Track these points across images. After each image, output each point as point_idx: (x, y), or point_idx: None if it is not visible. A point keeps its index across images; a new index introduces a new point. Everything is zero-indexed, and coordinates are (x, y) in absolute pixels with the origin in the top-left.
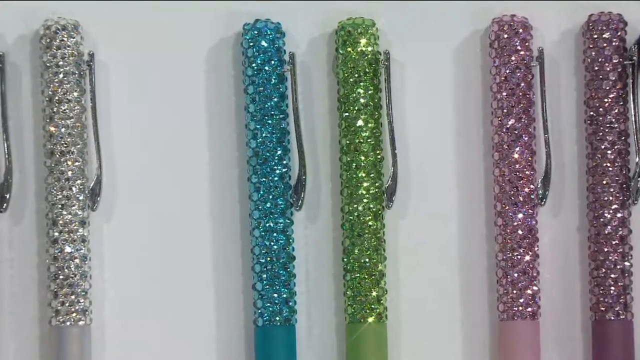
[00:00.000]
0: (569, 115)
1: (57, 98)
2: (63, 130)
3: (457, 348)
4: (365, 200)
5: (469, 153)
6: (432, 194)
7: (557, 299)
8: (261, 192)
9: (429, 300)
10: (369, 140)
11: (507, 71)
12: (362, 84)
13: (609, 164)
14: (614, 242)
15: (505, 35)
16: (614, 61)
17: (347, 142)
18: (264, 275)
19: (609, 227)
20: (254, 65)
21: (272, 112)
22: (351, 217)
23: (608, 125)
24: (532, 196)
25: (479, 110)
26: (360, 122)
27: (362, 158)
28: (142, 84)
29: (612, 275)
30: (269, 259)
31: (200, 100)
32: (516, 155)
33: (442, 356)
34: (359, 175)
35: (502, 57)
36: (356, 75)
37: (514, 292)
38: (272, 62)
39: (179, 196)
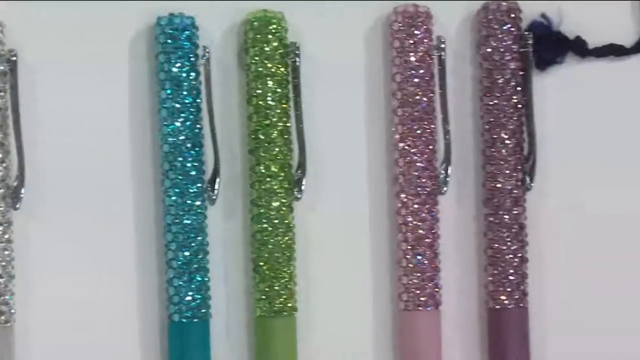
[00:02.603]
0: (469, 104)
1: None
2: None
3: (365, 339)
4: (275, 194)
5: (376, 144)
6: (341, 185)
7: (456, 287)
8: (177, 188)
9: (338, 292)
10: (279, 132)
11: (409, 60)
12: (271, 76)
13: (506, 153)
14: (511, 231)
15: (406, 24)
16: (510, 49)
17: (258, 135)
18: (180, 271)
19: (506, 216)
20: (169, 59)
21: (187, 107)
22: (261, 211)
23: (506, 113)
24: (433, 185)
25: (385, 101)
26: (270, 115)
27: (272, 151)
28: (62, 81)
29: (510, 264)
30: (184, 254)
31: (118, 95)
32: (418, 145)
33: (351, 347)
34: (270, 168)
35: (403, 46)
36: (266, 67)
37: (417, 282)
38: (187, 56)
39: (100, 192)
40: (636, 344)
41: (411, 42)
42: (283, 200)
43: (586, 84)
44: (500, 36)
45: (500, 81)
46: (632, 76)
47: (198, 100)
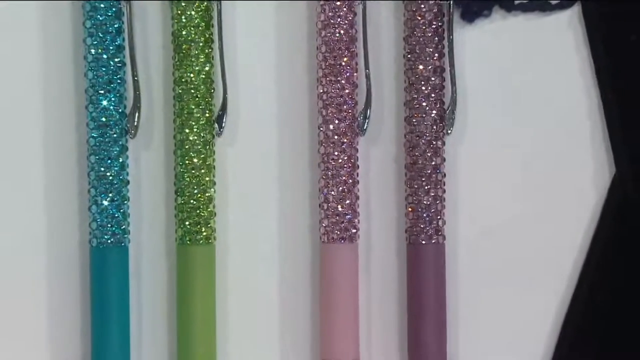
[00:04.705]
0: (389, 51)
1: None
2: None
3: (281, 269)
4: (195, 129)
5: (298, 83)
6: (260, 123)
7: (375, 223)
8: (97, 121)
9: (256, 223)
10: (200, 73)
11: (331, 8)
12: (194, 19)
13: (424, 98)
14: (427, 171)
15: None
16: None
17: (179, 74)
18: (98, 199)
19: (423, 156)
20: None
21: (109, 45)
22: (182, 145)
23: (425, 60)
24: (354, 126)
25: (299, 46)
26: (191, 56)
27: (193, 90)
28: None
29: (425, 202)
30: (103, 183)
31: (38, 32)
32: (338, 88)
33: (266, 277)
34: (190, 106)
35: None
36: (188, 10)
37: (334, 216)
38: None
39: (14, 123)
40: (544, 280)
41: None
42: (202, 136)
43: (510, 38)
44: None
45: (417, 30)
46: (554, 33)
47: (120, 40)
